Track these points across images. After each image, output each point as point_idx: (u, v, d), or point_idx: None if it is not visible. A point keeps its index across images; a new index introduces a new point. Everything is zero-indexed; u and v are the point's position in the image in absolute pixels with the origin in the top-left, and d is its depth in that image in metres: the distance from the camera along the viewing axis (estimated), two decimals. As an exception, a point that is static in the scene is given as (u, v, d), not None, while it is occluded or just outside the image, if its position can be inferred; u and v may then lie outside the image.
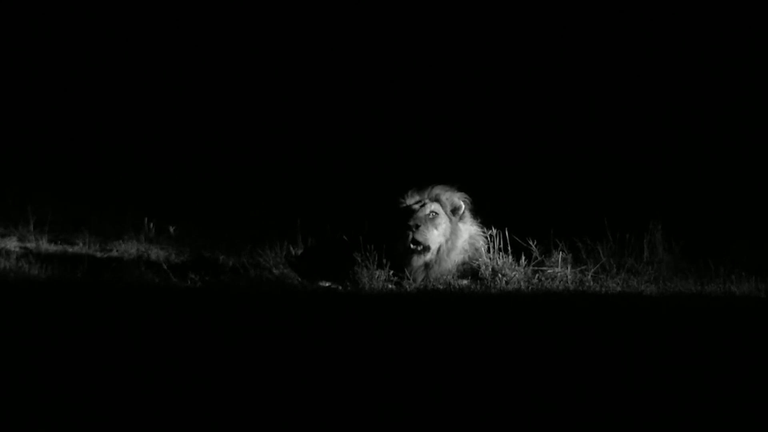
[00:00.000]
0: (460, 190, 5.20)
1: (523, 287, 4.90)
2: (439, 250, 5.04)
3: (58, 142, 9.58)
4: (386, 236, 5.05)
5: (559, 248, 5.16)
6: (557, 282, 5.01)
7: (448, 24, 9.47)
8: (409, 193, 5.18)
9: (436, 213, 5.06)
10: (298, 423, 2.43)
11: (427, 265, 5.02)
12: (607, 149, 8.35)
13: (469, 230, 5.17)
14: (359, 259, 4.94)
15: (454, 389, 2.71)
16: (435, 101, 9.39)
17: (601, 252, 5.24)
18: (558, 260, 5.12)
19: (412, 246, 4.96)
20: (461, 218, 5.13)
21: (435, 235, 5.01)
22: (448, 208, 5.11)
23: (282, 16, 9.92)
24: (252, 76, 9.93)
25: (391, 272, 4.98)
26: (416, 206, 5.09)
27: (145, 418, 2.45)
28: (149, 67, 10.07)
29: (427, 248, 4.99)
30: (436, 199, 5.13)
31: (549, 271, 5.11)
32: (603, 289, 4.84)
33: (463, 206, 5.13)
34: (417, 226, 4.95)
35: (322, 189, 8.38)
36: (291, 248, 5.59)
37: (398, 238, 5.00)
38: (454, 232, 5.07)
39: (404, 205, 5.15)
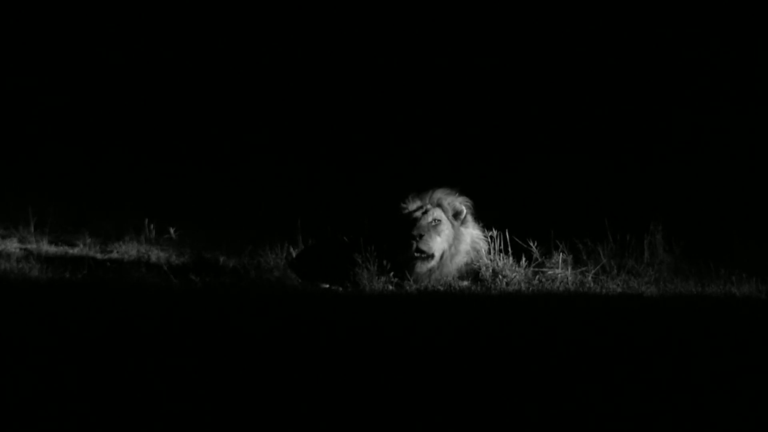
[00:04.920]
0: (461, 193, 5.19)
1: (523, 288, 4.90)
2: (442, 256, 5.03)
3: (58, 143, 9.59)
4: (388, 242, 5.04)
5: (560, 249, 5.16)
6: (558, 283, 5.01)
7: (448, 26, 9.47)
8: (410, 198, 5.15)
9: (438, 220, 5.04)
10: (298, 423, 2.43)
11: (430, 271, 5.02)
12: (607, 150, 8.35)
13: (471, 234, 5.17)
14: (359, 260, 4.94)
15: (455, 390, 2.71)
16: (435, 102, 9.40)
17: (601, 253, 5.24)
18: (558, 261, 5.12)
19: (416, 254, 4.96)
20: (463, 222, 5.12)
21: (438, 243, 5.00)
22: (450, 213, 5.10)
23: (284, 18, 9.93)
24: (253, 77, 9.93)
25: (392, 273, 4.98)
26: (418, 213, 5.06)
27: (146, 418, 2.45)
28: (150, 67, 10.08)
29: (431, 256, 4.98)
30: (438, 205, 5.11)
31: (549, 272, 5.11)
32: (603, 291, 4.84)
33: (465, 211, 5.12)
34: (421, 236, 4.94)
35: (323, 189, 8.38)
36: (291, 249, 5.59)
37: (401, 246, 4.98)
38: (456, 237, 5.07)
39: (406, 211, 5.12)
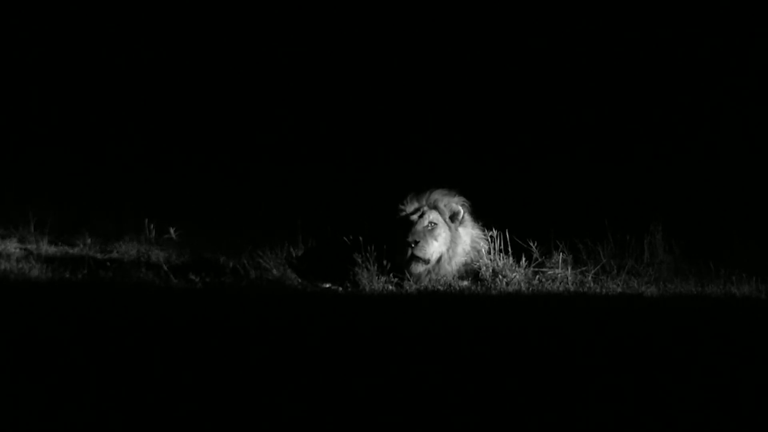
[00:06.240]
0: (459, 193, 5.17)
1: (523, 288, 4.90)
2: (440, 259, 5.02)
3: (58, 143, 9.59)
4: (387, 244, 5.03)
5: (560, 249, 5.17)
6: (558, 283, 5.01)
7: (447, 27, 9.47)
8: (408, 199, 5.14)
9: (435, 223, 5.02)
10: (298, 423, 2.43)
11: (428, 272, 5.01)
12: (607, 150, 8.36)
13: (470, 234, 5.15)
14: (359, 260, 4.93)
15: (454, 390, 2.71)
16: (436, 102, 9.40)
17: (601, 253, 5.25)
18: (558, 261, 5.13)
19: (412, 260, 4.96)
20: (461, 223, 5.10)
21: (435, 247, 4.98)
22: (447, 215, 5.07)
23: (284, 19, 9.93)
24: (253, 78, 9.93)
25: (392, 273, 4.98)
26: (414, 217, 5.04)
27: (146, 418, 2.45)
28: (150, 67, 10.08)
29: (427, 261, 4.97)
30: (435, 206, 5.08)
31: (549, 272, 5.11)
32: (603, 291, 4.84)
33: (462, 211, 5.10)
34: (416, 242, 4.93)
35: (323, 190, 8.38)
36: (291, 249, 5.59)
37: (398, 250, 4.98)
38: (454, 239, 5.05)
39: (403, 213, 5.10)
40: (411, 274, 4.97)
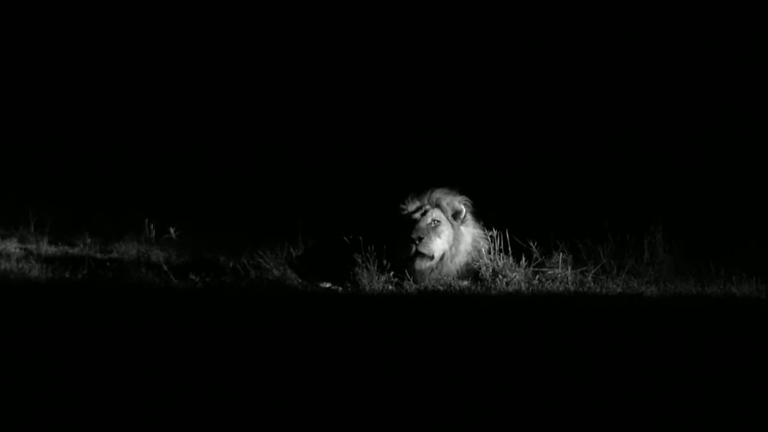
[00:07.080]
0: (460, 192, 5.18)
1: (523, 288, 4.90)
2: (443, 257, 5.02)
3: (58, 143, 9.59)
4: (388, 243, 5.03)
5: (560, 249, 5.16)
6: (558, 283, 5.01)
7: (447, 25, 9.47)
8: (409, 198, 5.14)
9: (438, 221, 5.03)
10: (298, 423, 2.43)
11: (430, 270, 5.01)
12: (607, 150, 8.36)
13: (471, 233, 5.16)
14: (359, 260, 4.93)
15: (454, 391, 2.71)
16: (435, 102, 9.40)
17: (601, 253, 5.24)
18: (558, 261, 5.12)
19: (416, 257, 4.95)
20: (463, 222, 5.11)
21: (438, 244, 4.98)
22: (450, 213, 5.08)
23: (283, 18, 9.93)
24: (253, 78, 9.93)
25: (392, 273, 4.98)
26: (417, 215, 5.04)
27: (145, 419, 2.45)
28: (150, 67, 10.08)
29: (431, 258, 4.97)
30: (437, 205, 5.09)
31: (549, 272, 5.11)
32: (603, 291, 4.84)
33: (465, 210, 5.11)
34: (420, 239, 4.92)
35: (323, 189, 8.38)
36: (291, 249, 5.59)
37: (401, 248, 4.97)
38: (456, 237, 5.05)
39: (405, 212, 5.10)
40: (414, 272, 4.96)
